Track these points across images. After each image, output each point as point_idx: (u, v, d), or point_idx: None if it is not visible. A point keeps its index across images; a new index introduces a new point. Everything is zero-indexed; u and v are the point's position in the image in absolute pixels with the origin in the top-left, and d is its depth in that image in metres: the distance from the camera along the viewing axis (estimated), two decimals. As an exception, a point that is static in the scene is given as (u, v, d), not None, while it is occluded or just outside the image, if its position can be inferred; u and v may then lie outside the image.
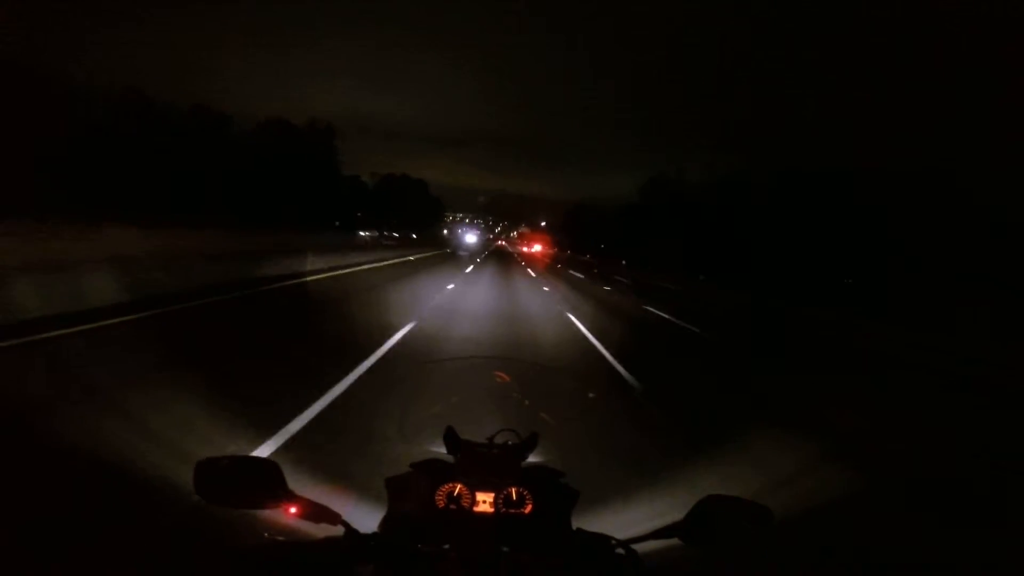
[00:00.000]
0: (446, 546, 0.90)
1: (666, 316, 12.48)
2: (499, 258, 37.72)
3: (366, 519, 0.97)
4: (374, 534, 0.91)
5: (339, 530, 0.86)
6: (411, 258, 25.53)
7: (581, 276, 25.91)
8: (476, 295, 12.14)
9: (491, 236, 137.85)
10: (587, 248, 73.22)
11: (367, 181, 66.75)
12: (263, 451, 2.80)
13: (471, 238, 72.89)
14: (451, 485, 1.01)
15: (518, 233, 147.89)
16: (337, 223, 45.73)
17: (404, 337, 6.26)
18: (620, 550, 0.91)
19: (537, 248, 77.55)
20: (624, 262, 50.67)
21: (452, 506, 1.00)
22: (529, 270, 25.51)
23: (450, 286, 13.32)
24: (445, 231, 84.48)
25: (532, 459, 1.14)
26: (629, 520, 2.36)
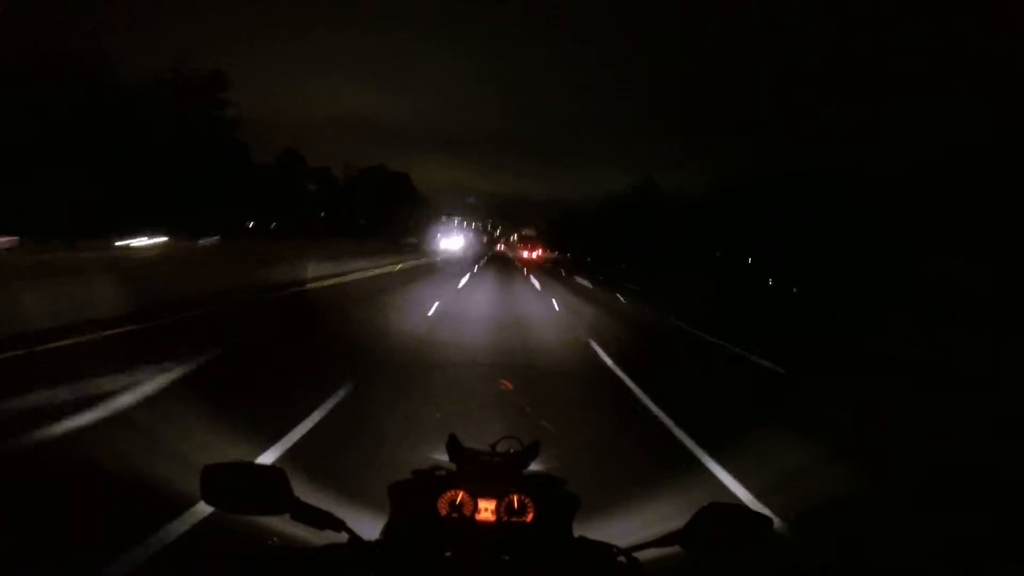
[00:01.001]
0: (448, 554, 0.91)
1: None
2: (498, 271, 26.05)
3: (369, 526, 0.98)
4: (377, 541, 0.92)
5: (343, 537, 0.87)
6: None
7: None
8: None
9: (486, 239, 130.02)
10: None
11: (340, 175, 54.40)
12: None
13: (453, 244, 55.60)
14: (453, 492, 1.02)
15: (519, 236, 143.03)
16: (275, 227, 35.08)
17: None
18: (622, 558, 0.91)
19: (538, 253, 69.82)
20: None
21: (454, 514, 1.01)
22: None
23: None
24: (439, 236, 65.98)
25: (534, 467, 1.15)
26: (631, 528, 2.36)
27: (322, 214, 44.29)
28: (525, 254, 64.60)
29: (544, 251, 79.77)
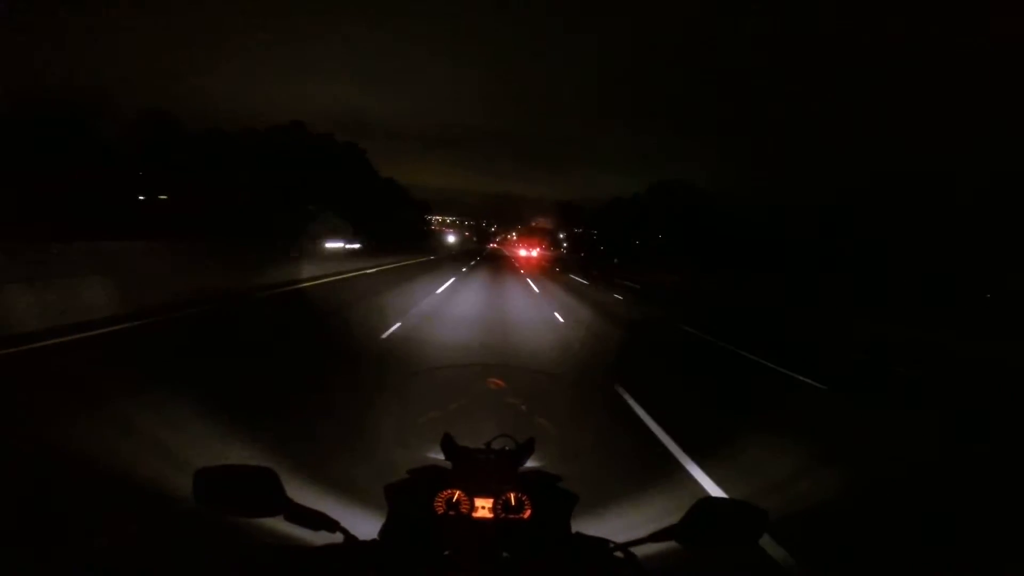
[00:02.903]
0: (446, 552, 0.91)
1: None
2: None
3: (364, 526, 0.98)
4: (373, 541, 0.91)
5: (338, 537, 0.86)
6: None
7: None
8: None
9: (469, 234, 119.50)
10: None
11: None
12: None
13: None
14: (450, 491, 1.02)
15: (517, 235, 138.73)
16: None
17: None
18: (619, 553, 0.92)
19: (538, 251, 62.83)
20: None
21: (451, 512, 1.00)
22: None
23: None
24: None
25: (530, 464, 1.15)
26: (627, 523, 2.37)
27: (162, 197, 28.23)
28: (523, 252, 57.43)
29: (544, 248, 75.93)
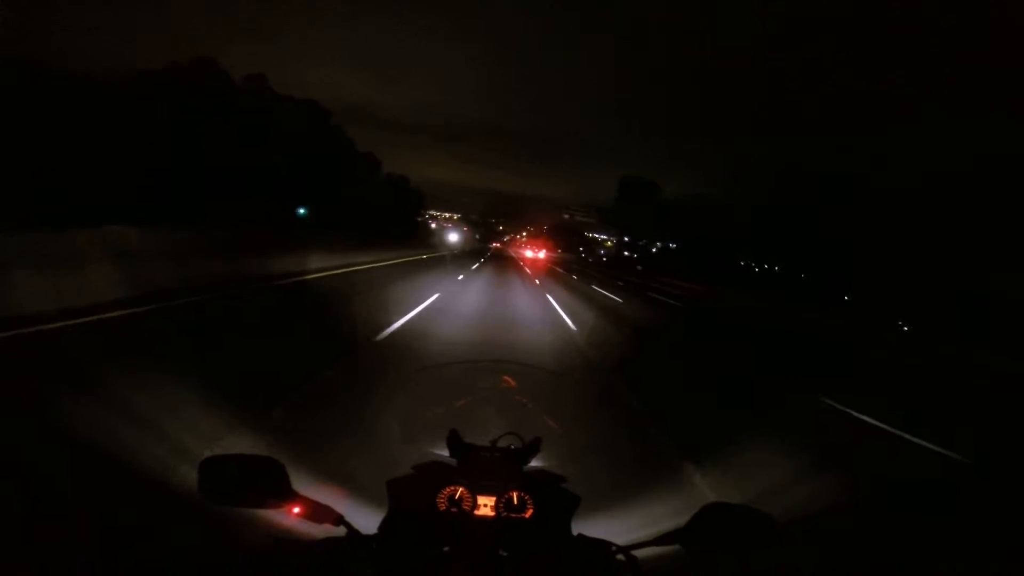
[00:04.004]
0: (446, 548, 0.91)
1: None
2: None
3: (367, 520, 0.98)
4: (375, 535, 0.92)
5: (341, 530, 0.86)
6: None
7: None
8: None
9: (468, 229, 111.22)
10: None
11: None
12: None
13: None
14: (452, 488, 1.02)
15: (526, 234, 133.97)
16: None
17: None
18: (620, 556, 0.91)
19: (544, 253, 60.54)
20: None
21: (453, 509, 1.00)
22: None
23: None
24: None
25: (534, 464, 1.15)
26: (630, 526, 2.35)
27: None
28: (529, 253, 56.99)
29: (550, 250, 74.57)
